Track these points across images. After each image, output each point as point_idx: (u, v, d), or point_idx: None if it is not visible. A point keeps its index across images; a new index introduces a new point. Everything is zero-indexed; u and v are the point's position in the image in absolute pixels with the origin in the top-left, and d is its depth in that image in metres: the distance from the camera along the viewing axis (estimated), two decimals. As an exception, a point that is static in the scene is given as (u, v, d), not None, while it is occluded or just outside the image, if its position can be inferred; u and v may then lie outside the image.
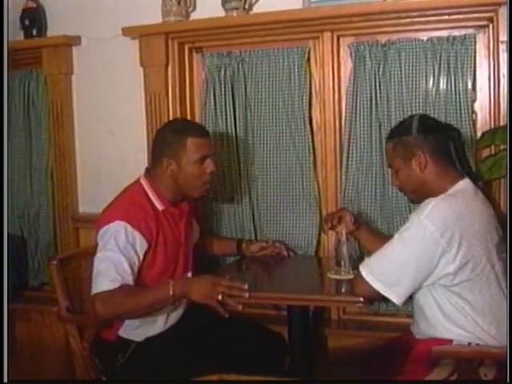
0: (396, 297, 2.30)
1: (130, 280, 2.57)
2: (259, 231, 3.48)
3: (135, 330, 2.75)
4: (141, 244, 2.64)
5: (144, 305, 2.58)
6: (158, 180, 2.78)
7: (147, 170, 2.87)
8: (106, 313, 2.55)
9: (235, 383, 2.49)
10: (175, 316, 2.88)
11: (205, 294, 2.51)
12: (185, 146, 2.71)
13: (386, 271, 2.31)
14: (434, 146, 2.44)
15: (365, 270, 2.34)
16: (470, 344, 2.33)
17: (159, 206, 2.74)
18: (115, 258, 2.56)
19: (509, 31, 2.67)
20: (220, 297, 2.47)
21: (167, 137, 2.77)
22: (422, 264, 2.28)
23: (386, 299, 2.34)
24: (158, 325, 2.80)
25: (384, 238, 2.86)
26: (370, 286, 2.31)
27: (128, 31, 3.47)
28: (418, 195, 2.52)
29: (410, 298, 2.41)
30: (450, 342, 2.34)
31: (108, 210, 2.74)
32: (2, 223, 2.66)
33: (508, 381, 2.04)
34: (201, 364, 2.59)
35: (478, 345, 2.32)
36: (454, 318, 2.35)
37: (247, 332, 2.94)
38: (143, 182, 2.79)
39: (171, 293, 2.52)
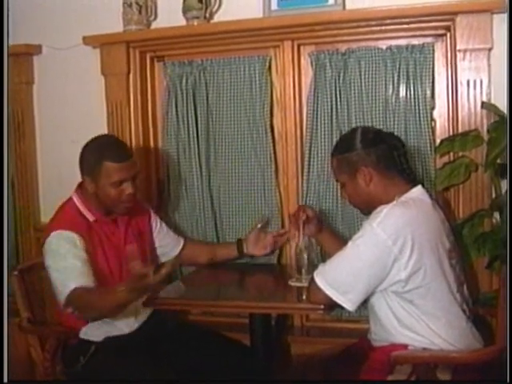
0: (349, 304, 2.32)
1: (90, 275, 2.60)
2: (222, 239, 3.47)
3: (95, 331, 2.78)
4: (80, 242, 2.68)
5: (120, 297, 2.45)
6: (87, 195, 2.81)
7: (80, 184, 2.89)
8: (90, 316, 2.59)
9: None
10: (138, 320, 2.89)
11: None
12: (100, 170, 2.71)
13: (340, 278, 2.33)
14: (377, 159, 2.45)
15: (319, 277, 2.36)
16: (425, 349, 2.35)
17: (90, 217, 2.79)
18: (61, 265, 2.60)
19: (508, 32, 2.70)
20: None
21: (87, 156, 2.79)
22: (375, 271, 2.30)
23: (340, 306, 2.35)
24: (118, 326, 2.83)
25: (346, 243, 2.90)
26: (324, 293, 2.33)
27: (89, 40, 3.46)
28: (367, 207, 2.53)
29: (365, 303, 2.43)
30: (405, 347, 2.37)
31: (47, 225, 2.81)
32: (2, 225, 2.68)
33: (508, 381, 2.07)
34: (154, 369, 2.67)
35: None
36: (407, 323, 2.37)
37: (209, 341, 2.94)
38: (74, 197, 2.85)
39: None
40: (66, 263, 2.60)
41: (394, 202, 2.38)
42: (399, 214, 2.32)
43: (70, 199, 2.85)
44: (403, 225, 2.29)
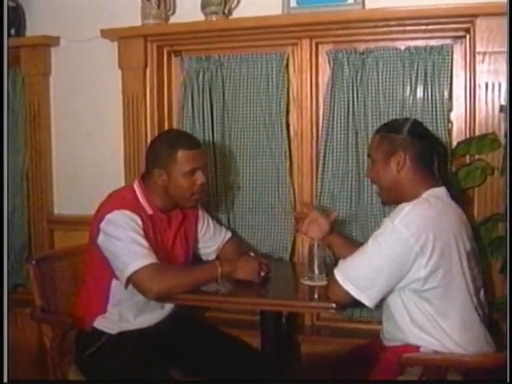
0: (368, 300, 2.32)
1: (154, 255, 2.60)
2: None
3: (111, 325, 2.80)
4: (142, 225, 2.69)
5: (192, 280, 2.63)
6: (150, 188, 2.81)
7: (142, 176, 2.90)
8: (159, 288, 2.55)
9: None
10: (155, 317, 2.89)
11: (251, 271, 2.69)
12: (175, 158, 2.73)
13: (360, 275, 2.32)
14: (417, 152, 2.45)
15: (339, 273, 2.35)
16: (436, 352, 2.34)
17: (148, 210, 2.78)
18: (130, 238, 2.61)
19: (508, 33, 2.68)
20: (263, 274, 2.72)
21: (159, 148, 2.81)
22: (396, 268, 2.29)
23: (358, 303, 2.35)
24: (134, 322, 2.84)
25: (357, 244, 2.88)
26: (344, 290, 2.32)
27: (107, 33, 3.46)
28: (389, 194, 2.54)
29: (381, 303, 2.43)
30: (416, 348, 2.36)
31: (103, 206, 2.77)
32: (2, 222, 2.67)
33: (508, 381, 2.06)
34: (160, 368, 2.69)
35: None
36: (420, 323, 2.36)
37: (222, 344, 2.91)
38: (136, 186, 2.84)
39: (219, 271, 2.64)
40: (135, 237, 2.61)
41: (416, 200, 2.38)
42: (421, 211, 2.32)
43: (130, 188, 2.85)
44: (425, 223, 2.28)
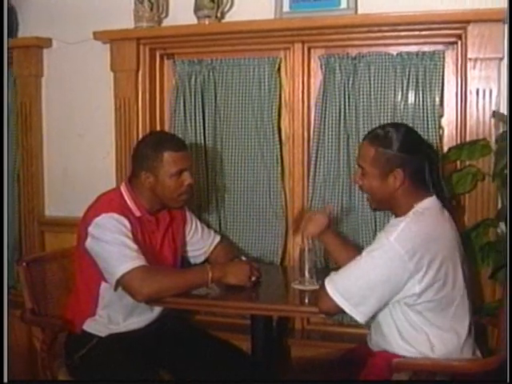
0: (360, 316, 2.29)
1: (143, 258, 2.61)
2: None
3: (101, 327, 2.80)
4: (130, 227, 2.69)
5: (182, 283, 2.63)
6: (137, 189, 2.82)
7: (129, 178, 2.89)
8: (149, 291, 2.55)
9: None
10: (144, 319, 2.90)
11: (242, 276, 2.69)
12: (161, 160, 2.74)
13: (352, 290, 2.29)
14: (414, 167, 2.40)
15: (330, 286, 2.32)
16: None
17: (136, 213, 2.78)
18: (119, 241, 2.61)
19: (509, 35, 2.69)
20: (254, 279, 2.72)
21: (145, 150, 2.80)
22: (389, 285, 2.27)
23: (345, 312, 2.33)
24: (123, 324, 2.84)
25: (351, 246, 2.89)
26: (335, 303, 2.29)
27: (99, 35, 3.46)
28: (380, 204, 2.53)
29: None
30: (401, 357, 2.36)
31: (91, 209, 2.77)
32: (2, 225, 2.67)
33: (508, 381, 2.07)
34: (150, 370, 2.71)
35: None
36: (407, 336, 2.36)
37: (211, 347, 2.91)
38: (123, 189, 2.84)
39: (210, 275, 2.64)
40: (124, 240, 2.61)
41: (411, 215, 2.35)
42: (417, 228, 2.30)
43: (117, 191, 2.85)
44: (420, 240, 2.26)
